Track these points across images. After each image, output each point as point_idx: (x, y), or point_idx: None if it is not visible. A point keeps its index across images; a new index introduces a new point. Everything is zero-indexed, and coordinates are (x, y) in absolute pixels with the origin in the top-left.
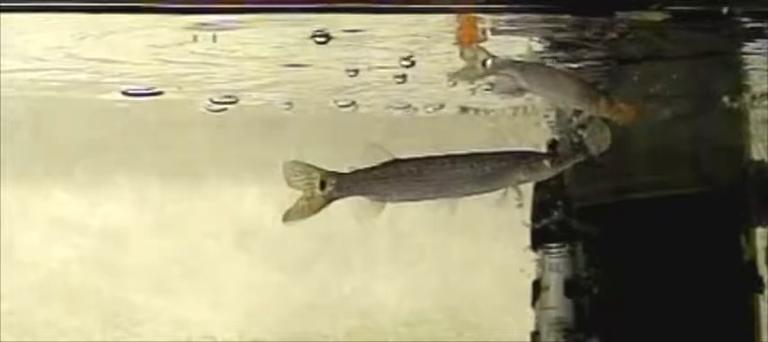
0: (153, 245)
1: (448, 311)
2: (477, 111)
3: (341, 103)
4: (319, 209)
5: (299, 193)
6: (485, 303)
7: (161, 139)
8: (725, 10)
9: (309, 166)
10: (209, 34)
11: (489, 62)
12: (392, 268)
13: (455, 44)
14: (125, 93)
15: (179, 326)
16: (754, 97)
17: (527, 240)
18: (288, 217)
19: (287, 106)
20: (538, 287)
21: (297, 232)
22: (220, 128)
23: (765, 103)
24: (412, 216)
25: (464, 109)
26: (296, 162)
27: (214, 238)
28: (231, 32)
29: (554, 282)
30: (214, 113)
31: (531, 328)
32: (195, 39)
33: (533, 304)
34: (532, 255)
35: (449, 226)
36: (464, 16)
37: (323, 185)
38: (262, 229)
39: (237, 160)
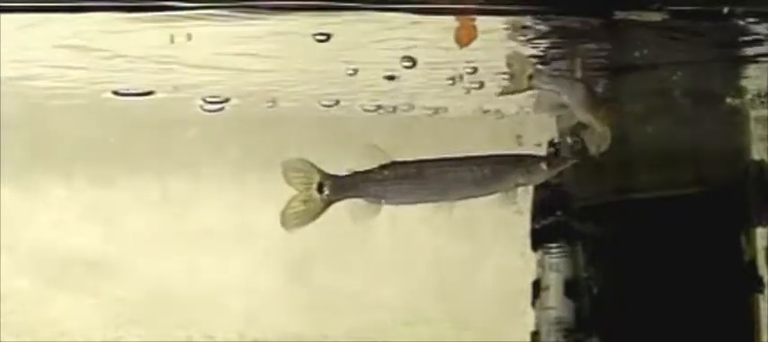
0: (153, 244)
1: (448, 311)
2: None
3: (324, 103)
4: (319, 213)
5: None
6: (485, 303)
7: (158, 138)
8: (725, 10)
9: (310, 165)
10: (197, 33)
11: (535, 77)
12: (392, 268)
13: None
14: (116, 92)
15: (179, 325)
16: (759, 96)
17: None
18: (286, 224)
19: (270, 104)
20: (538, 287)
21: (297, 231)
22: (213, 126)
23: (765, 103)
24: (412, 217)
25: (436, 110)
26: (297, 159)
27: (215, 237)
28: (217, 30)
29: (554, 282)
30: (208, 113)
31: (531, 327)
32: (172, 39)
33: (533, 304)
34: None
35: (449, 226)
36: (463, 16)
37: (320, 188)
38: (262, 228)
39: (234, 158)
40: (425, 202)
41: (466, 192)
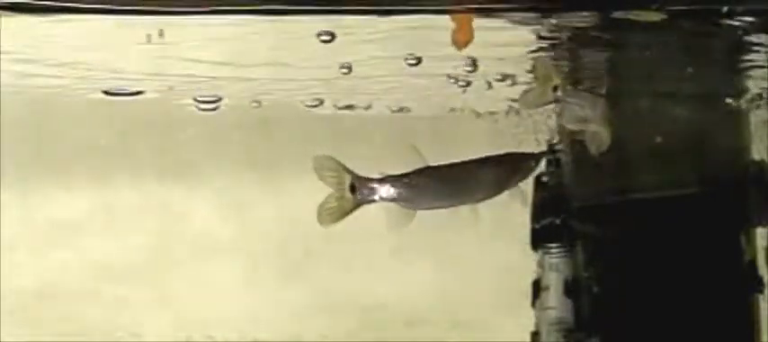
0: (152, 244)
1: (448, 311)
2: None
3: (308, 103)
4: (349, 212)
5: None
6: (485, 303)
7: (156, 138)
8: (725, 10)
9: (341, 165)
10: (180, 32)
11: (560, 89)
12: (392, 268)
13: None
14: (106, 92)
15: (179, 326)
16: (761, 96)
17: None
18: (321, 219)
19: (255, 104)
20: (538, 287)
21: (297, 231)
22: (208, 125)
23: (765, 103)
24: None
25: (403, 109)
26: (328, 158)
27: (214, 237)
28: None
29: (554, 282)
30: (202, 112)
31: (531, 327)
32: (149, 39)
33: (533, 304)
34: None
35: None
36: (460, 16)
37: (353, 189)
38: (263, 228)
39: (233, 157)
40: (453, 206)
41: (486, 193)
